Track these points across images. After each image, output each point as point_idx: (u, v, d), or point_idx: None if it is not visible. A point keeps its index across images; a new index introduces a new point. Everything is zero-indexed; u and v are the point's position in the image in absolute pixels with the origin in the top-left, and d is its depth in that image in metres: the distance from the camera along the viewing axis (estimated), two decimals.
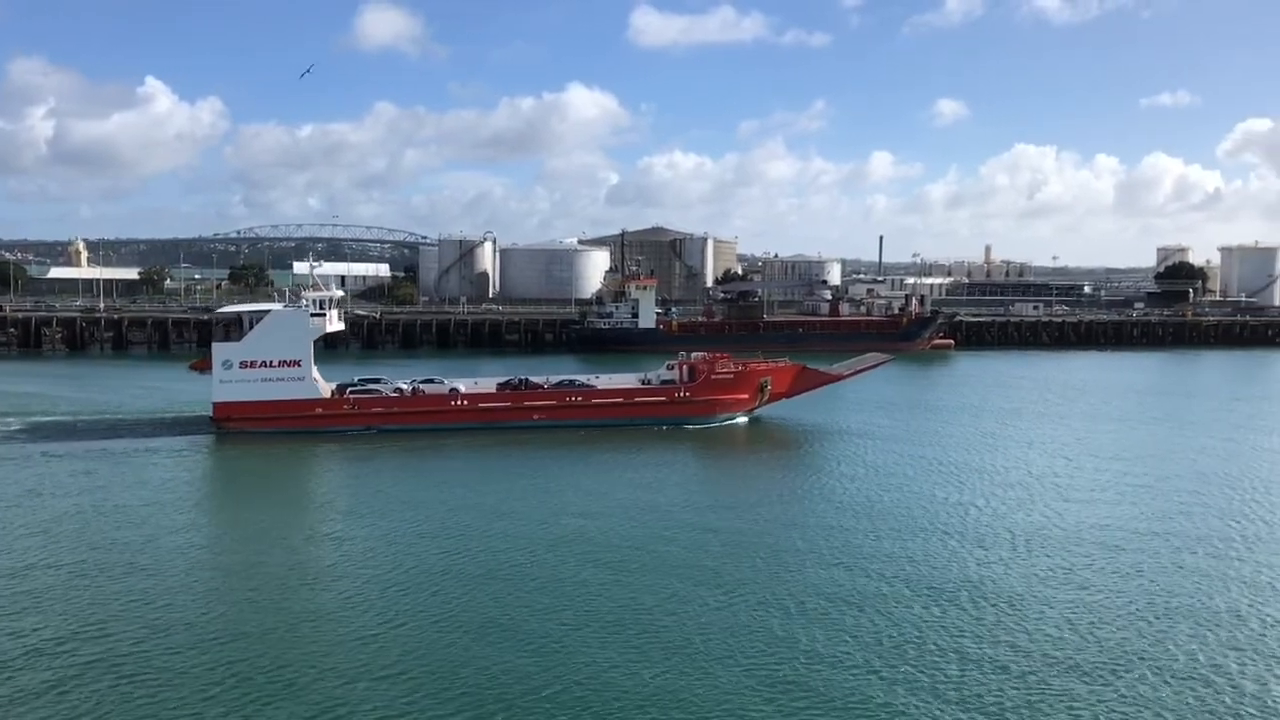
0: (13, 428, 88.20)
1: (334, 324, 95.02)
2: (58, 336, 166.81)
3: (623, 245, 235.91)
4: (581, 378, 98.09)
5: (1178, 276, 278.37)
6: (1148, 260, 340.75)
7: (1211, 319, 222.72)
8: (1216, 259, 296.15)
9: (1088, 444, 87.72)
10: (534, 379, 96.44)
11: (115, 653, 39.04)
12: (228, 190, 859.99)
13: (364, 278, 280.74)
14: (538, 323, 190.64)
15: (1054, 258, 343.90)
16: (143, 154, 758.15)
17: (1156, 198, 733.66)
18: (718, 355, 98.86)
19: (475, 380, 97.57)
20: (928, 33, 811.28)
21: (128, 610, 43.72)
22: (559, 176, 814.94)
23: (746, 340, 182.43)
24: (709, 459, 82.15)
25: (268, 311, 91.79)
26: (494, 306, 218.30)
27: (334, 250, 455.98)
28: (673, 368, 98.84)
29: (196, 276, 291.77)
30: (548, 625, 42.12)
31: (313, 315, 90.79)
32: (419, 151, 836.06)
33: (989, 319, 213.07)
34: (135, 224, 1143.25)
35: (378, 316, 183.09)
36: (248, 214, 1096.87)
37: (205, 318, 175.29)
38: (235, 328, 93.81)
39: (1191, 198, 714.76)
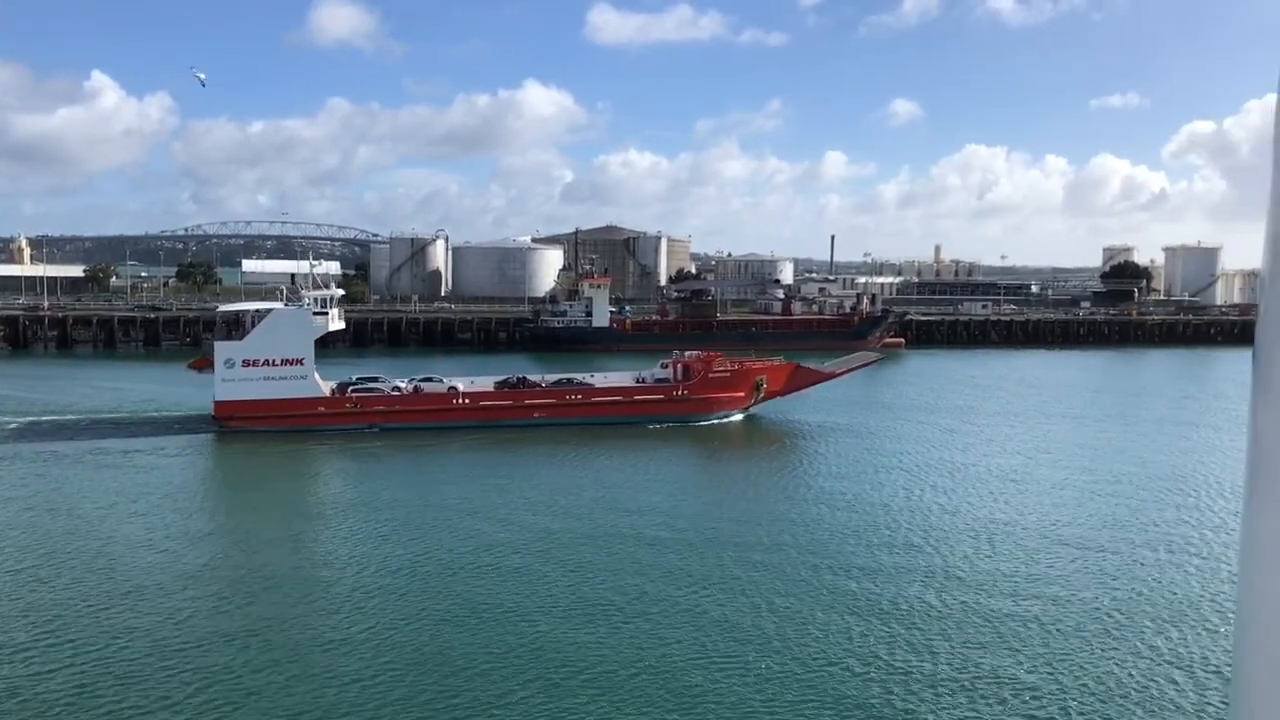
0: (10, 427, 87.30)
1: (335, 323, 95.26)
2: (0, 335, 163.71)
3: (576, 244, 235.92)
4: (579, 376, 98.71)
5: (1123, 276, 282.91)
6: (1094, 260, 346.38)
7: (1156, 318, 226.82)
8: (1161, 259, 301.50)
9: (1048, 442, 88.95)
10: (531, 377, 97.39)
11: (115, 652, 38.76)
12: (176, 187, 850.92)
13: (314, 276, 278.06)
14: (491, 321, 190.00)
15: (1002, 257, 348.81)
16: (89, 150, 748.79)
17: (1104, 198, 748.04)
18: (713, 354, 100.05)
19: (472, 379, 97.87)
20: (884, 33, 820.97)
21: (132, 609, 43.48)
22: (514, 174, 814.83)
23: (700, 339, 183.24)
24: (710, 456, 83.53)
25: (270, 310, 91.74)
26: (447, 305, 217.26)
27: (283, 248, 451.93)
28: (667, 366, 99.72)
29: (143, 274, 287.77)
30: (561, 620, 42.50)
31: (315, 314, 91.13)
32: (372, 148, 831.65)
33: (938, 318, 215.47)
34: (81, 221, 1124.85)
35: None
36: (196, 211, 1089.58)
37: (152, 316, 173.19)
38: (236, 327, 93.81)
39: (1138, 198, 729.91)
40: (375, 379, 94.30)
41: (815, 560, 51.14)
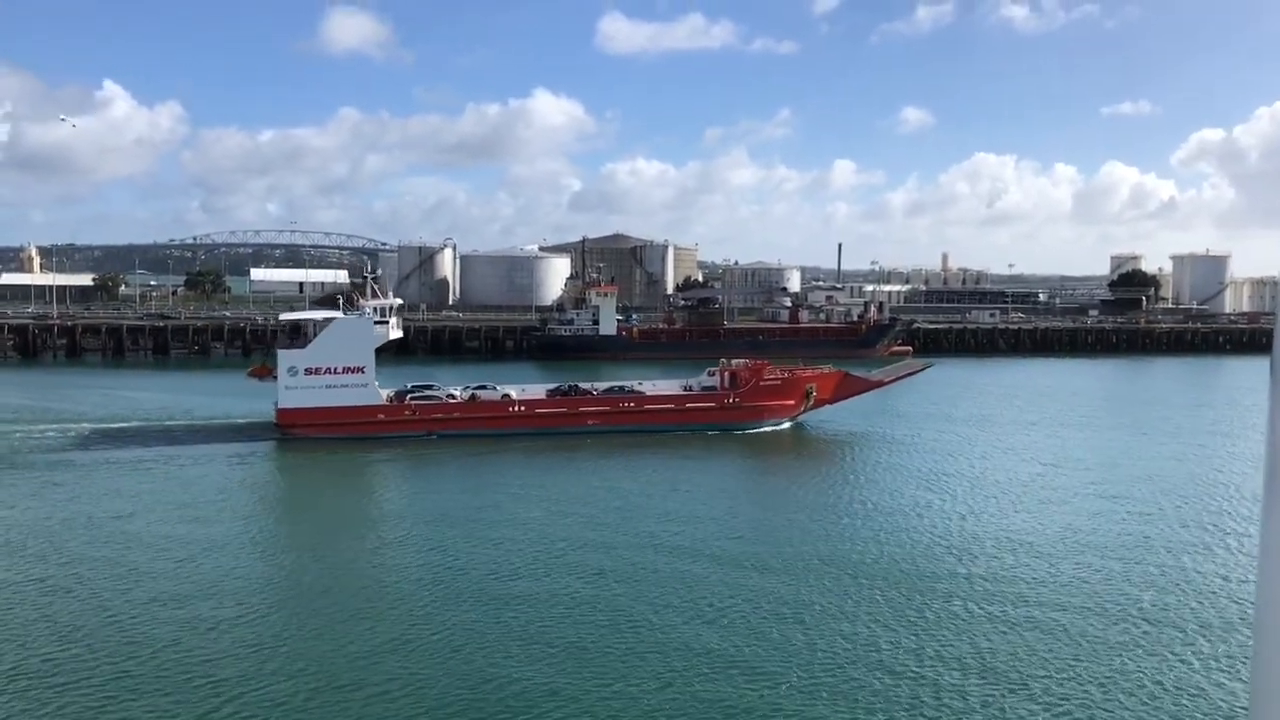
0: (71, 434, 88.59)
1: (395, 331, 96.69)
2: (9, 344, 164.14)
3: (583, 252, 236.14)
4: (629, 384, 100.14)
5: (1131, 284, 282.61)
6: (1102, 268, 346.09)
7: (1164, 326, 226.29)
8: (1169, 267, 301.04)
9: (1071, 451, 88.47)
10: (583, 385, 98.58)
11: (177, 653, 39.63)
12: (186, 196, 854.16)
13: (322, 284, 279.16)
14: (498, 330, 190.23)
15: (1010, 265, 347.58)
16: (99, 159, 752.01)
17: (1113, 206, 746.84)
18: (761, 363, 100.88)
19: (523, 387, 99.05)
20: (896, 41, 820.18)
21: (196, 609, 44.47)
22: (522, 183, 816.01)
23: (707, 348, 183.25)
24: (767, 465, 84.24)
25: (332, 319, 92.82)
26: (454, 313, 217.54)
27: (292, 256, 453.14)
28: (714, 374, 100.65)
29: (152, 283, 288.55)
30: (619, 626, 42.77)
31: (376, 323, 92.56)
32: (382, 157, 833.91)
33: (946, 326, 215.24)
34: (90, 230, 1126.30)
35: None
36: (205, 220, 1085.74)
37: (161, 325, 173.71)
38: (297, 335, 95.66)
39: (1147, 206, 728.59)
40: (429, 386, 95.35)
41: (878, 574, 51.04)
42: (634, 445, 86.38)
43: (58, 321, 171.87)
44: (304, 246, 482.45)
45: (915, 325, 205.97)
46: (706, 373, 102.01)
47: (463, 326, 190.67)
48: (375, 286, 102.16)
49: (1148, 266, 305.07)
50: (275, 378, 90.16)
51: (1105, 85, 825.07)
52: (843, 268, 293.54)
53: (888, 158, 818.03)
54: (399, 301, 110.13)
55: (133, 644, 40.42)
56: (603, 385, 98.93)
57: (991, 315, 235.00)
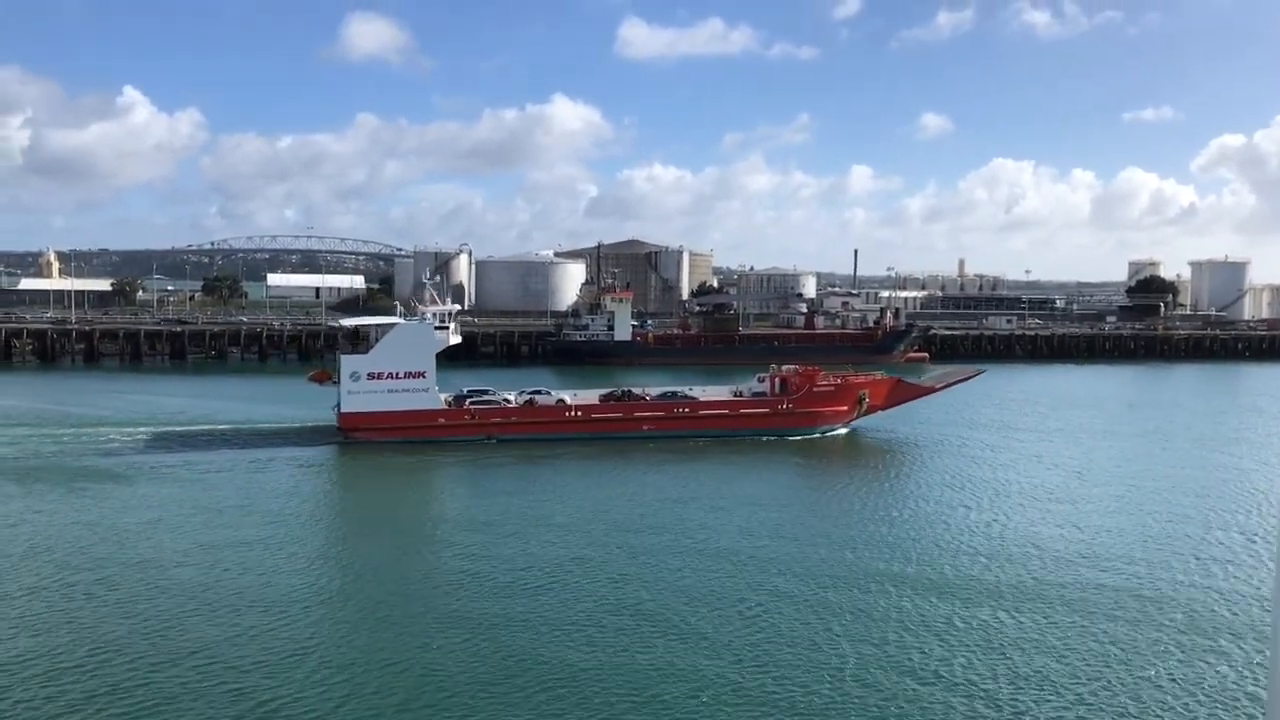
0: (138, 437, 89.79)
1: (454, 337, 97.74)
2: (28, 348, 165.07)
3: (598, 258, 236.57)
4: (681, 389, 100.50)
5: (1149, 291, 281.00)
6: (1120, 275, 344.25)
7: (1182, 333, 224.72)
8: (1187, 273, 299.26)
9: (1107, 461, 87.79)
10: (635, 390, 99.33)
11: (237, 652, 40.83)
12: (204, 202, 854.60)
13: (339, 290, 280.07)
14: (513, 335, 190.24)
15: (1026, 271, 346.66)
16: (119, 165, 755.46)
17: (1132, 212, 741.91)
18: (813, 369, 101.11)
19: (575, 392, 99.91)
20: (916, 47, 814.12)
21: (265, 606, 45.96)
22: (539, 189, 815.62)
23: (722, 353, 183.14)
24: (824, 472, 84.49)
25: (393, 325, 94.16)
26: (469, 319, 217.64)
27: (308, 262, 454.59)
28: (764, 380, 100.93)
29: (169, 288, 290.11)
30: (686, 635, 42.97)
31: (436, 328, 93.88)
32: (400, 163, 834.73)
33: (962, 332, 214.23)
34: (108, 235, 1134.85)
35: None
36: (223, 225, 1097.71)
37: (178, 330, 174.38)
38: (358, 340, 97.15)
39: (1167, 212, 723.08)
40: (485, 391, 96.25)
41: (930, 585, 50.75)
42: (688, 451, 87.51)
43: (76, 326, 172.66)
44: (320, 252, 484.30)
45: (931, 331, 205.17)
46: (756, 379, 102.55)
47: (478, 332, 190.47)
48: (434, 292, 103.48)
49: (1166, 273, 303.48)
50: (335, 383, 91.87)
51: (1127, 91, 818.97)
52: (859, 274, 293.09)
53: (906, 164, 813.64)
54: (457, 307, 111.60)
55: (219, 639, 41.90)
56: (655, 391, 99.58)
57: (1008, 321, 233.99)
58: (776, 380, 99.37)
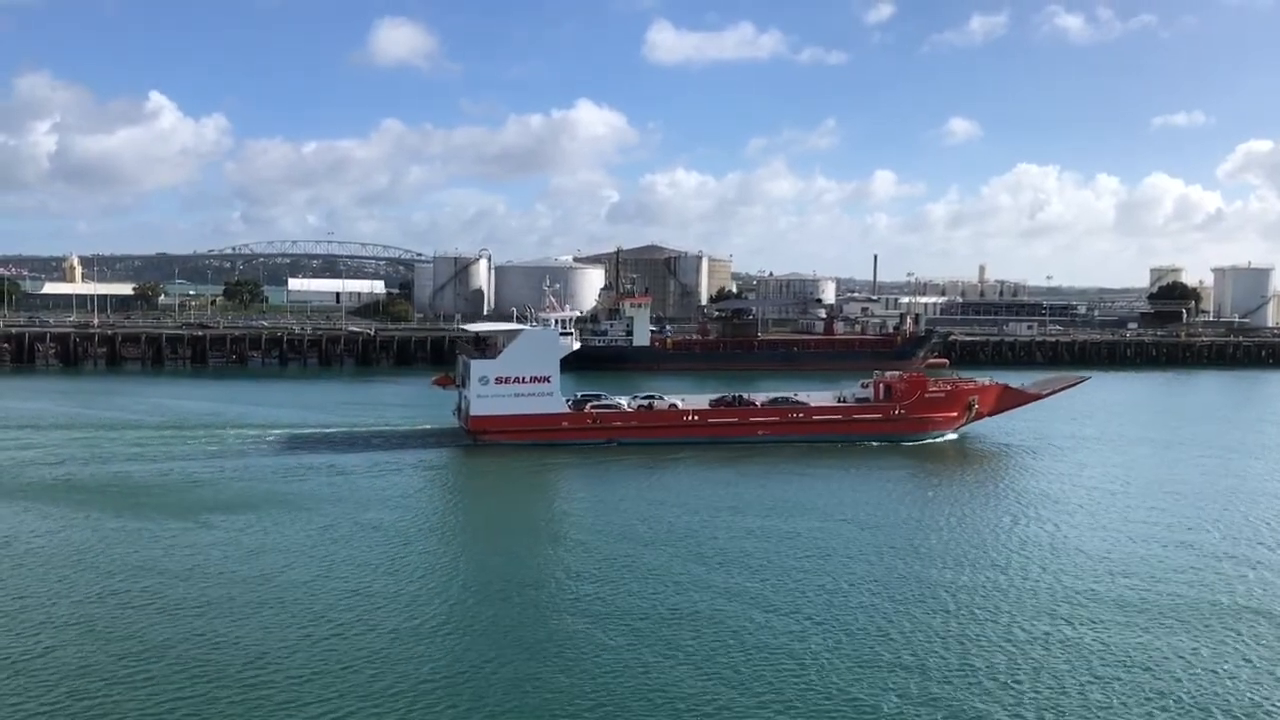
0: (269, 439, 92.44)
1: (575, 343, 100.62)
2: (51, 352, 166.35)
3: (617, 263, 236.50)
4: (791, 395, 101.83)
5: (1171, 297, 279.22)
6: (1142, 281, 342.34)
7: (1205, 339, 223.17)
8: (1210, 280, 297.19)
9: (1153, 471, 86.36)
10: (746, 396, 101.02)
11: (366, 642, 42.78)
12: (227, 207, 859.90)
13: (359, 294, 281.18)
14: None
15: (1048, 277, 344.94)
16: (145, 169, 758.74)
17: (1156, 218, 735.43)
18: (918, 375, 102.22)
19: (683, 397, 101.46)
20: (947, 51, 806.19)
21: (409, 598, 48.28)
22: (562, 194, 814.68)
23: (741, 358, 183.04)
24: (949, 478, 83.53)
25: (520, 331, 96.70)
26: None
27: (329, 267, 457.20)
28: (867, 386, 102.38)
29: (191, 293, 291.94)
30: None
31: (561, 334, 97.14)
32: (424, 168, 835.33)
33: (983, 338, 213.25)
34: (132, 240, 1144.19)
35: (373, 333, 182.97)
36: (245, 230, 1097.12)
37: (199, 334, 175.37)
38: (484, 346, 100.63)
39: (1193, 218, 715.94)
40: (598, 396, 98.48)
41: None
42: (802, 455, 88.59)
43: (98, 330, 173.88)
44: (341, 257, 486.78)
45: (951, 337, 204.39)
46: (860, 384, 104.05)
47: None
48: (555, 299, 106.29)
49: (1189, 279, 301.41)
50: (457, 386, 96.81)
51: (1158, 96, 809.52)
52: (879, 279, 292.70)
53: (930, 169, 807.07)
54: (577, 314, 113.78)
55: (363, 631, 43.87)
56: (762, 397, 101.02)
57: (1029, 328, 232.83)
58: (881, 386, 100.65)
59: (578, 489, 77.93)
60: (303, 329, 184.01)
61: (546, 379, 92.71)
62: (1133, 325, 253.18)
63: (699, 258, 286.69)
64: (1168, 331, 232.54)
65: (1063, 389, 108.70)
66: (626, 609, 47.09)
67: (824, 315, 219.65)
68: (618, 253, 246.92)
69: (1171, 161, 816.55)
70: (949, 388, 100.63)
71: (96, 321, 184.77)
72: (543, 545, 59.66)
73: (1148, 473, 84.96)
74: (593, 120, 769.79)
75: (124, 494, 70.24)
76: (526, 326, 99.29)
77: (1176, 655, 42.45)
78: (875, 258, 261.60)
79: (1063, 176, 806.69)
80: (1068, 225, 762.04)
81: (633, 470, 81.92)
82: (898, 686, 38.88)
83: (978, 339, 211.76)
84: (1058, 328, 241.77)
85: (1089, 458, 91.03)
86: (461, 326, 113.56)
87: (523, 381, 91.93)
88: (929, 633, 44.65)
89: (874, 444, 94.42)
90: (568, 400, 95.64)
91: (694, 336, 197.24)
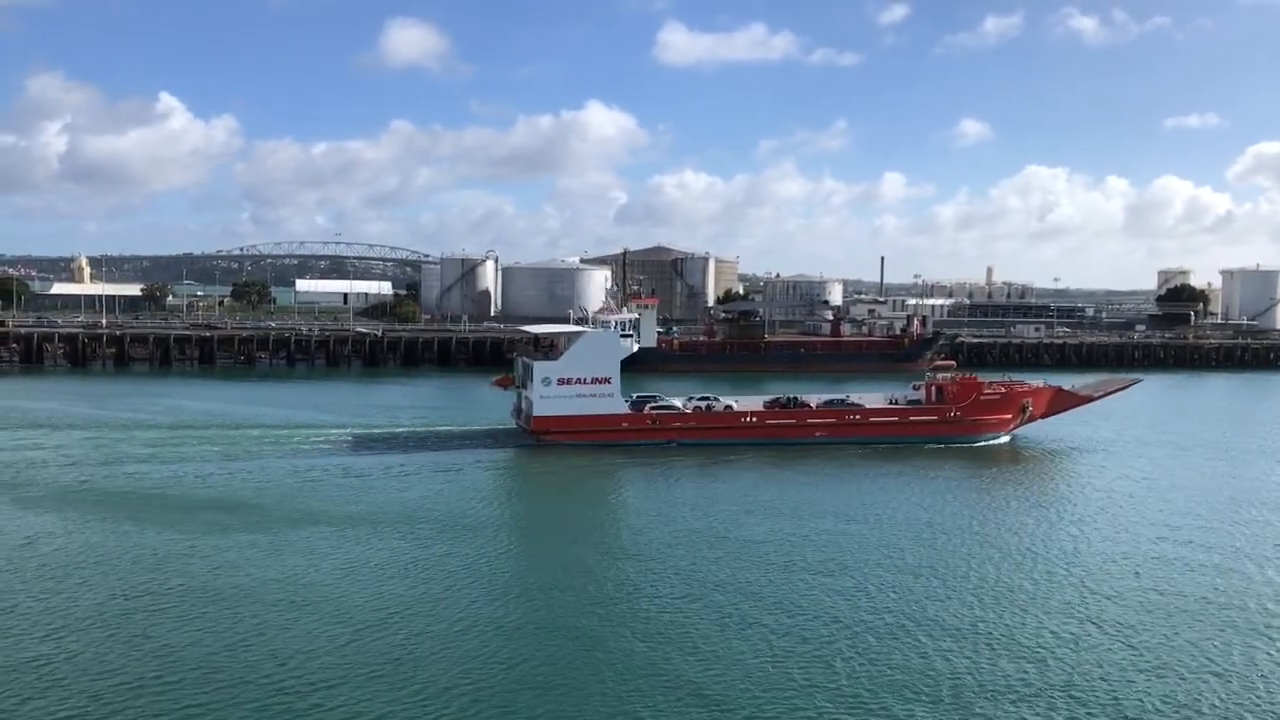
0: (332, 438, 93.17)
1: (635, 345, 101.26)
2: (59, 352, 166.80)
3: (624, 264, 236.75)
4: (842, 396, 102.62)
5: (1179, 299, 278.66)
6: (1150, 283, 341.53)
7: (1213, 341, 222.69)
8: (1218, 282, 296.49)
9: (1186, 475, 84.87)
10: (801, 397, 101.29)
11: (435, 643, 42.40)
12: (236, 208, 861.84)
13: (366, 295, 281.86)
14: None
15: (1055, 279, 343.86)
16: (155, 170, 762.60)
17: (1166, 220, 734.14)
18: (971, 378, 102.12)
19: (735, 399, 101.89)
20: (960, 52, 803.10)
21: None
22: (570, 195, 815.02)
23: (747, 360, 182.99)
24: (1009, 480, 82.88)
25: (582, 333, 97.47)
26: (496, 325, 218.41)
27: (336, 268, 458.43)
28: (919, 388, 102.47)
29: (199, 293, 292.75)
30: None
31: (622, 336, 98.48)
32: (433, 170, 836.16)
33: (990, 340, 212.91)
34: (141, 241, 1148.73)
35: (380, 334, 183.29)
36: (254, 231, 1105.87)
37: (207, 335, 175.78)
38: (546, 348, 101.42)
39: (1202, 220, 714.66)
40: (654, 398, 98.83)
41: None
42: (857, 457, 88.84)
43: (107, 331, 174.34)
44: (348, 258, 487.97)
45: (959, 339, 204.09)
46: (911, 386, 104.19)
47: (504, 338, 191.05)
48: (613, 301, 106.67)
49: (1197, 281, 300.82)
50: (516, 387, 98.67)
51: (1172, 98, 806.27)
52: (886, 281, 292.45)
53: (939, 170, 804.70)
54: (637, 316, 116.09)
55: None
56: (815, 398, 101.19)
57: (1036, 330, 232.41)
58: (933, 388, 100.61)
59: (637, 490, 78.04)
60: (310, 330, 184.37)
61: (608, 380, 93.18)
62: (1140, 327, 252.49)
63: (706, 259, 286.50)
64: (1175, 334, 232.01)
65: (1115, 391, 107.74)
66: (707, 611, 46.57)
67: (831, 317, 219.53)
68: (624, 254, 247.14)
69: (1181, 163, 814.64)
70: (1003, 390, 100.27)
71: (105, 322, 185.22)
72: (623, 545, 59.22)
73: (1195, 478, 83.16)
74: (602, 121, 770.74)
75: (185, 501, 68.19)
76: (587, 328, 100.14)
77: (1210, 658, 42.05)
78: (882, 260, 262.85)
79: (1072, 178, 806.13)
80: (1077, 227, 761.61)
81: (683, 469, 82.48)
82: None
83: (985, 341, 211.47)
84: (1065, 330, 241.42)
85: (1138, 464, 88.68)
86: (520, 328, 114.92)
87: (584, 383, 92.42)
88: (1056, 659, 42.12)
89: (933, 446, 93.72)
90: (626, 401, 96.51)
91: (700, 338, 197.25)
